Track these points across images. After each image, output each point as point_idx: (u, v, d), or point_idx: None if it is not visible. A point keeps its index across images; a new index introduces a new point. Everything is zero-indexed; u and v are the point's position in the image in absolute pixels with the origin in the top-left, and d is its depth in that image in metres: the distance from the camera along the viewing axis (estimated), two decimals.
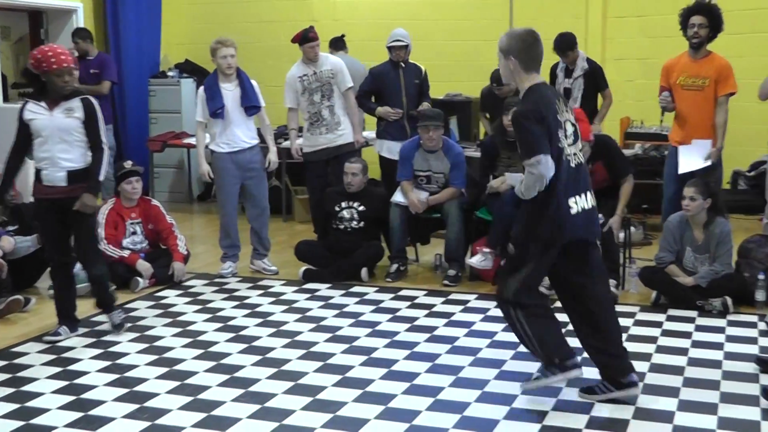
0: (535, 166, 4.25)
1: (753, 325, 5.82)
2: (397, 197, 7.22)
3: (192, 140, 10.39)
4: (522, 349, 5.32)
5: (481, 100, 8.56)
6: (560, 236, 4.37)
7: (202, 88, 7.25)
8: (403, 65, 8.06)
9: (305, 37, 7.73)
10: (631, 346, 5.34)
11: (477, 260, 6.81)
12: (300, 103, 7.86)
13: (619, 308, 6.20)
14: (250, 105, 7.18)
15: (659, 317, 6.02)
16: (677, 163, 7.11)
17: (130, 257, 6.86)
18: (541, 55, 4.44)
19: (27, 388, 4.81)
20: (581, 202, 4.42)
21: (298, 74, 7.82)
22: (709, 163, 6.98)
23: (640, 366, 5.01)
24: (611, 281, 6.61)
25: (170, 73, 11.30)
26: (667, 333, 5.68)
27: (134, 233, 7.08)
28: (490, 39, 8.81)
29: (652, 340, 5.54)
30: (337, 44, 9.60)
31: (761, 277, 6.16)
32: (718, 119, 7.03)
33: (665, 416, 4.34)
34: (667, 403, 4.50)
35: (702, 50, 7.05)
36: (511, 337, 5.54)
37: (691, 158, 6.99)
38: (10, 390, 4.78)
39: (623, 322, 5.86)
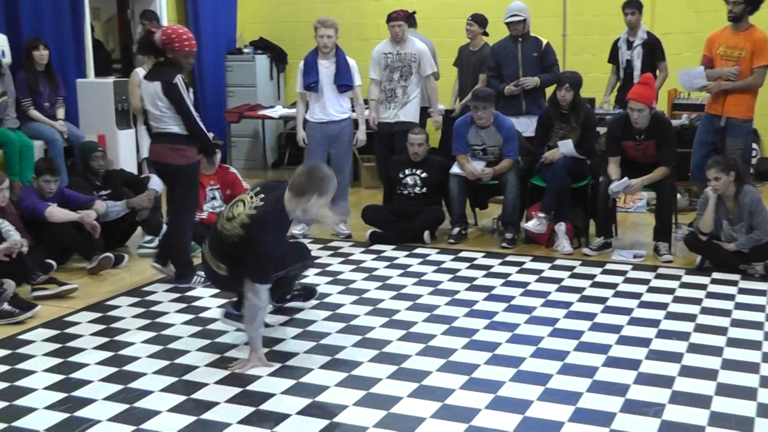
0: None
1: None
2: (455, 169, 7.20)
3: (266, 112, 10.51)
4: (575, 308, 5.31)
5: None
6: None
7: (302, 62, 7.35)
8: (521, 39, 7.89)
9: (389, 17, 7.74)
10: (676, 307, 5.33)
11: (533, 224, 6.79)
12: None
13: (665, 271, 6.17)
14: (342, 83, 7.27)
15: (704, 280, 5.92)
16: (705, 130, 7.07)
17: (209, 217, 6.92)
18: None
19: (120, 338, 4.92)
20: None
21: (384, 50, 7.80)
22: (706, 82, 6.98)
23: (685, 326, 4.97)
24: (664, 244, 6.53)
25: (245, 50, 11.33)
26: (711, 295, 5.58)
27: (213, 198, 7.14)
28: (544, 16, 8.74)
29: (696, 301, 5.45)
30: (408, 20, 9.42)
31: None
32: (752, 81, 6.89)
33: (710, 374, 4.27)
34: (711, 362, 4.42)
35: (742, 23, 6.88)
36: (564, 297, 5.56)
37: (691, 80, 7.11)
38: (104, 339, 4.89)
39: (670, 284, 5.82)
